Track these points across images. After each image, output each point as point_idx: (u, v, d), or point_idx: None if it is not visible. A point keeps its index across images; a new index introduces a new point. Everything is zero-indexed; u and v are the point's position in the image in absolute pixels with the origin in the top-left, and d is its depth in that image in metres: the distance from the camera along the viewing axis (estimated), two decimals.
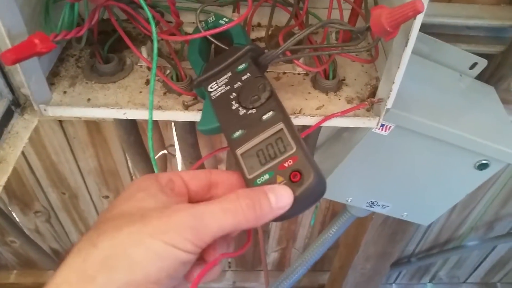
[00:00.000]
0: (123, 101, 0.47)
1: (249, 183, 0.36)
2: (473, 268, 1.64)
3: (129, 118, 0.45)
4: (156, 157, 0.74)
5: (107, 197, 1.26)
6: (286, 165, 0.35)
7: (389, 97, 0.42)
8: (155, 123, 0.77)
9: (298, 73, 0.51)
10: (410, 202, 0.66)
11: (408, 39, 0.38)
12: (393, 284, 1.70)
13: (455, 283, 1.71)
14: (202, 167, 0.64)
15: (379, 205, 0.67)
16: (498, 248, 1.52)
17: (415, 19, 0.37)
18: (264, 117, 0.38)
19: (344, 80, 0.50)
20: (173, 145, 0.98)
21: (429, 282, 1.71)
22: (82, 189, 1.24)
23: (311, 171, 0.34)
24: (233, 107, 0.40)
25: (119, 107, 0.45)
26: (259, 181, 0.35)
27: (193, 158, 0.56)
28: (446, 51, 0.62)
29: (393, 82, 0.41)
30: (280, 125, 0.37)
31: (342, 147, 0.59)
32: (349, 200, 0.66)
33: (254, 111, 0.39)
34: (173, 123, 0.87)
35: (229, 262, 1.64)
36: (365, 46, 0.39)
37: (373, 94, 0.48)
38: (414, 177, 0.61)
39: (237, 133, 0.38)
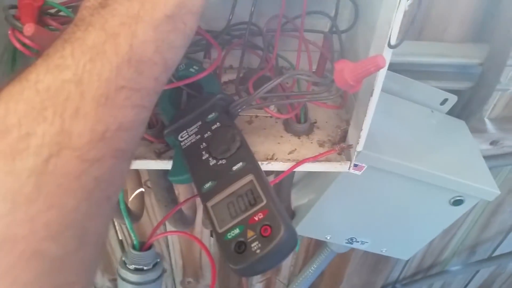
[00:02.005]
0: None
1: (219, 238, 0.35)
2: None
3: None
4: (131, 197, 0.73)
5: None
6: (256, 218, 0.34)
7: (358, 143, 0.43)
8: None
9: (271, 116, 0.51)
10: (388, 238, 0.66)
11: (373, 89, 0.39)
12: None
13: None
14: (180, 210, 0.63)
15: (358, 242, 0.67)
16: (481, 271, 1.53)
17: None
18: (234, 168, 0.38)
19: (315, 122, 0.51)
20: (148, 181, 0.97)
21: None
22: None
23: (281, 226, 0.33)
24: (203, 157, 0.40)
25: None
26: (229, 235, 0.35)
27: (168, 201, 0.56)
28: (417, 88, 0.64)
29: (361, 129, 0.42)
30: (250, 177, 0.37)
31: (318, 186, 0.59)
32: (328, 238, 0.66)
33: (224, 161, 0.39)
34: None
35: None
36: (334, 93, 0.40)
37: (343, 137, 0.48)
38: (391, 214, 0.61)
39: (207, 185, 0.38)
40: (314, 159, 0.44)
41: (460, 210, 0.61)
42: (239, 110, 0.42)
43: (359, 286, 1.17)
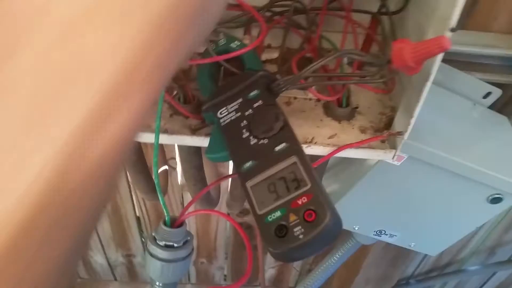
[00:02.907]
0: None
1: (259, 220, 0.34)
2: None
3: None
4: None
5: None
6: (299, 202, 0.33)
7: (407, 130, 0.41)
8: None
9: (310, 99, 0.49)
10: (418, 232, 0.64)
11: (430, 74, 0.37)
12: None
13: None
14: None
15: (386, 234, 0.65)
16: (498, 273, 1.50)
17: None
18: (277, 148, 0.36)
19: (357, 108, 0.49)
20: (174, 158, 0.96)
21: None
22: None
23: (326, 212, 0.32)
24: (244, 136, 0.38)
25: None
26: (270, 218, 0.33)
27: (197, 180, 0.55)
28: (460, 79, 0.61)
29: (412, 116, 0.40)
30: (294, 159, 0.35)
31: (352, 174, 0.57)
32: (356, 228, 0.64)
33: (266, 141, 0.37)
34: None
35: (225, 275, 1.61)
36: (387, 76, 0.38)
37: (388, 125, 0.46)
38: (424, 208, 0.59)
39: (248, 164, 0.36)
40: (360, 144, 0.42)
41: (497, 208, 0.58)
42: (283, 89, 0.40)
43: (375, 279, 1.15)
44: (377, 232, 0.65)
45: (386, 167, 0.52)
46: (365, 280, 1.16)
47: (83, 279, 1.56)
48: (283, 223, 0.32)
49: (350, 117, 0.47)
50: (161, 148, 0.74)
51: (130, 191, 1.15)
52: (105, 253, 1.41)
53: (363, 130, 0.46)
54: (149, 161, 0.65)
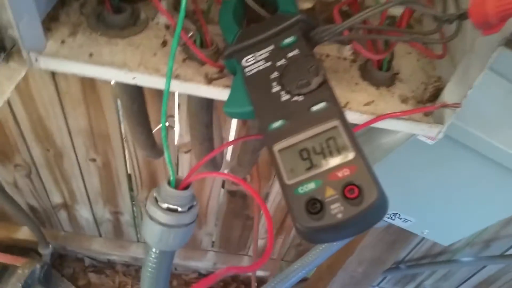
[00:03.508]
0: (133, 63, 0.38)
1: (287, 191, 0.28)
2: (460, 282, 1.60)
3: (139, 84, 0.37)
4: (155, 130, 0.66)
5: (94, 160, 1.18)
6: (340, 175, 0.27)
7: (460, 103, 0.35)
8: (159, 91, 0.68)
9: (345, 58, 0.43)
10: (435, 219, 0.59)
11: (506, 37, 0.30)
12: (376, 287, 1.66)
13: None
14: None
15: (400, 219, 0.60)
16: (489, 266, 1.48)
17: None
18: (314, 108, 0.30)
19: (398, 74, 0.42)
20: (172, 116, 0.90)
21: None
22: (68, 149, 1.15)
23: (373, 189, 0.26)
24: (273, 90, 0.32)
25: (128, 69, 0.37)
26: (301, 190, 0.27)
27: (205, 139, 0.48)
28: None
29: (470, 87, 0.34)
30: (335, 122, 0.29)
31: (377, 148, 0.51)
32: None
33: (301, 98, 0.31)
34: (176, 92, 0.78)
35: (213, 242, 1.58)
36: (451, 36, 0.31)
37: (433, 96, 0.40)
38: (450, 193, 0.54)
39: (276, 124, 0.30)
40: (404, 114, 0.36)
41: None
42: (324, 39, 0.33)
43: (369, 261, 1.12)
44: (391, 216, 0.60)
45: (418, 145, 0.46)
46: (358, 261, 1.13)
47: (67, 232, 1.52)
48: (318, 197, 0.27)
49: (389, 83, 0.41)
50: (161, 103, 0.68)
51: (123, 146, 1.09)
52: (91, 208, 1.36)
53: (404, 100, 0.40)
54: (151, 113, 0.58)
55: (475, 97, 0.47)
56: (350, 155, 0.27)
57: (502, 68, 0.55)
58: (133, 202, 1.32)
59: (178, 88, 0.37)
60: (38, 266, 1.32)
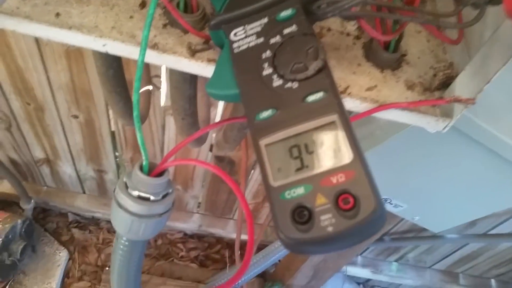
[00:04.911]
0: (106, 26, 0.33)
1: (272, 194, 0.24)
2: (442, 257, 1.62)
3: (110, 52, 0.32)
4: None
5: (76, 117, 1.13)
6: (334, 181, 0.23)
7: (475, 98, 0.31)
8: None
9: (348, 34, 0.38)
10: (428, 206, 0.57)
11: None
12: (359, 256, 1.67)
13: (421, 267, 1.69)
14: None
15: (392, 204, 0.57)
16: (471, 244, 1.50)
17: None
18: (310, 98, 0.26)
19: (405, 55, 0.38)
20: (158, 76, 0.84)
21: (395, 261, 1.69)
22: (50, 104, 1.09)
23: (372, 200, 0.22)
24: (264, 73, 0.27)
25: (98, 34, 0.32)
26: (288, 194, 0.24)
27: (187, 114, 0.44)
28: None
29: (488, 81, 0.29)
30: (333, 117, 0.25)
31: (376, 132, 0.47)
32: None
33: (295, 85, 0.26)
34: None
35: (199, 203, 1.56)
36: (472, 20, 0.27)
37: (442, 85, 0.35)
38: (446, 182, 0.51)
39: (266, 113, 0.26)
40: (410, 105, 0.32)
41: None
42: (328, 14, 0.28)
43: None
44: None
45: (419, 132, 0.42)
46: None
47: (50, 187, 1.48)
48: (307, 205, 0.23)
49: (396, 66, 0.36)
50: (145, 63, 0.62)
51: (107, 104, 1.03)
52: (74, 165, 1.33)
53: (410, 86, 0.36)
54: (129, 77, 0.53)
55: (488, 89, 0.43)
56: (348, 158, 0.23)
57: None
58: (117, 161, 1.28)
59: (156, 60, 0.32)
60: (19, 221, 1.29)
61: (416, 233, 1.45)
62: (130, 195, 0.32)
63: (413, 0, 0.39)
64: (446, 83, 0.35)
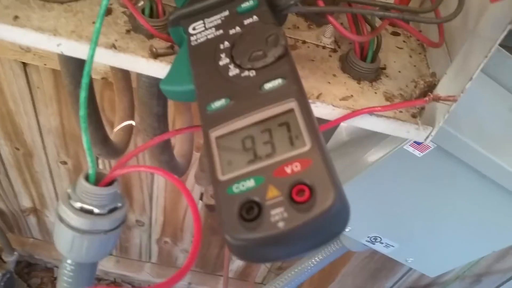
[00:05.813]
0: (65, 30, 0.31)
1: (218, 189, 0.21)
2: None
3: (65, 53, 0.30)
4: (116, 129, 0.58)
5: (65, 163, 1.10)
6: (288, 170, 0.20)
7: (459, 97, 0.28)
8: (128, 78, 0.60)
9: (324, 47, 0.36)
10: (422, 246, 0.52)
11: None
12: None
13: None
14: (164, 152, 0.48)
15: (382, 243, 0.52)
16: None
17: None
18: (267, 85, 0.23)
19: (384, 68, 0.36)
20: None
21: None
22: (39, 149, 1.08)
23: (330, 190, 0.19)
24: (221, 63, 0.25)
25: (51, 34, 0.30)
26: (236, 188, 0.20)
27: (156, 135, 0.41)
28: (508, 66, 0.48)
29: (471, 78, 0.27)
30: (291, 104, 0.22)
31: (357, 160, 0.44)
32: (347, 230, 0.52)
33: (252, 73, 0.24)
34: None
35: None
36: (452, 14, 0.25)
37: (423, 94, 0.33)
38: (439, 217, 0.47)
39: (218, 103, 0.23)
40: (384, 110, 0.29)
41: None
42: (291, 7, 0.27)
43: None
44: (371, 239, 0.52)
45: (404, 158, 0.40)
46: None
47: (36, 239, 1.43)
48: (256, 198, 0.20)
49: (374, 77, 0.34)
50: (130, 94, 0.61)
51: None
52: None
53: (388, 98, 0.33)
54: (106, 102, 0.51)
55: (475, 108, 0.41)
56: (305, 146, 0.20)
57: (508, 80, 0.49)
58: None
59: (113, 60, 0.30)
60: None
61: None
62: (71, 207, 0.28)
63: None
64: (428, 92, 0.32)
